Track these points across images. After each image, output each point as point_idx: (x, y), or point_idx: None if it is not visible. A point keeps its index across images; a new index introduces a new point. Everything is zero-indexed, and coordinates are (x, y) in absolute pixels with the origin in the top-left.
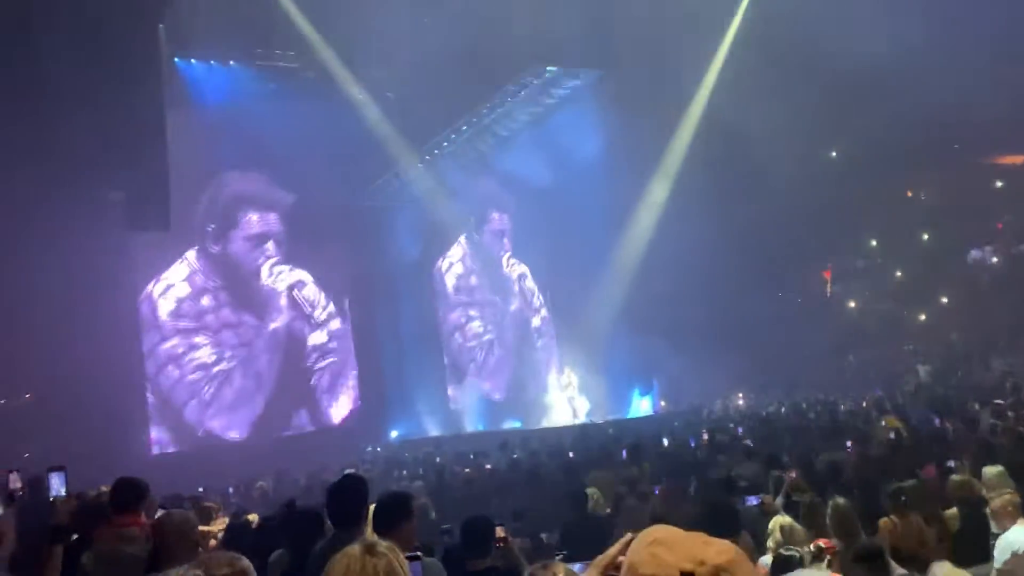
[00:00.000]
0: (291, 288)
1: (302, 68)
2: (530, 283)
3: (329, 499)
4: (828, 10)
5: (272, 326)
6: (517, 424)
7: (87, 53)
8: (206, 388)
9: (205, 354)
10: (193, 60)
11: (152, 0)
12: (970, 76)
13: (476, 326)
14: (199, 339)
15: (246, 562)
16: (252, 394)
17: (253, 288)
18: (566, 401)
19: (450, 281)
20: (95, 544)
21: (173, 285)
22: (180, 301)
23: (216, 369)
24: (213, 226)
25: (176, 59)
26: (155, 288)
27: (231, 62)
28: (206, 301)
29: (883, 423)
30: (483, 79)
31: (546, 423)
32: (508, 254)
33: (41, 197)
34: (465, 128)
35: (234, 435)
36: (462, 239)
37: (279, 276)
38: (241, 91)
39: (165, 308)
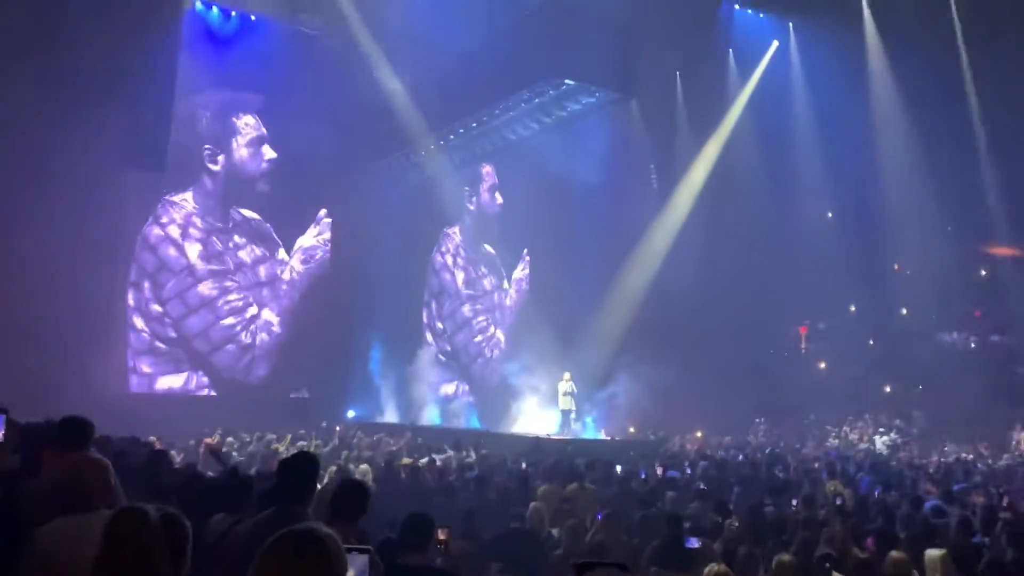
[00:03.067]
0: None
1: (327, 35)
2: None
3: (280, 473)
4: (844, 75)
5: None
6: (475, 424)
7: None
8: (243, 334)
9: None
10: (215, 7)
11: None
12: (974, 164)
13: (471, 318)
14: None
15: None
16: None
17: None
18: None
19: (445, 272)
20: (40, 472)
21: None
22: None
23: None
24: (209, 146)
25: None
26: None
27: (252, 16)
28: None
29: (830, 487)
30: (500, 82)
31: (513, 429)
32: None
33: (42, 120)
34: (475, 125)
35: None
36: (456, 230)
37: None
38: (258, 44)
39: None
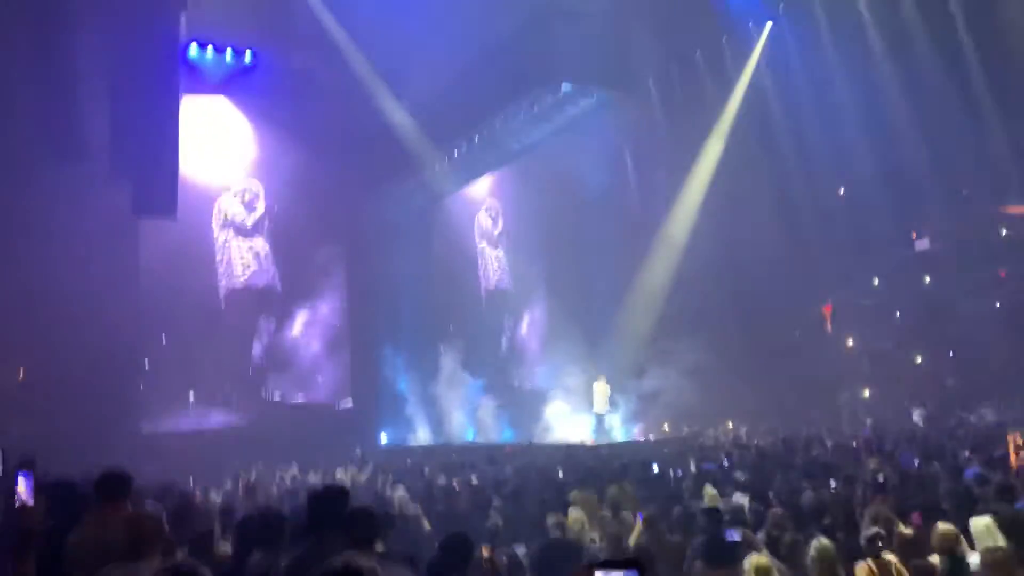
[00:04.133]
0: None
1: (323, 65)
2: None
3: (311, 507)
4: (842, 49)
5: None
6: (508, 434)
7: (109, 41)
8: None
9: None
10: (211, 47)
11: None
12: (981, 125)
13: (494, 325)
14: None
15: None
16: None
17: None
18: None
19: (465, 281)
20: (82, 528)
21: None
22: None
23: None
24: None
25: (195, 42)
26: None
27: (248, 51)
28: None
29: (871, 464)
30: (498, 92)
31: (548, 436)
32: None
33: (54, 177)
34: (477, 139)
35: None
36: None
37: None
38: (255, 80)
39: None
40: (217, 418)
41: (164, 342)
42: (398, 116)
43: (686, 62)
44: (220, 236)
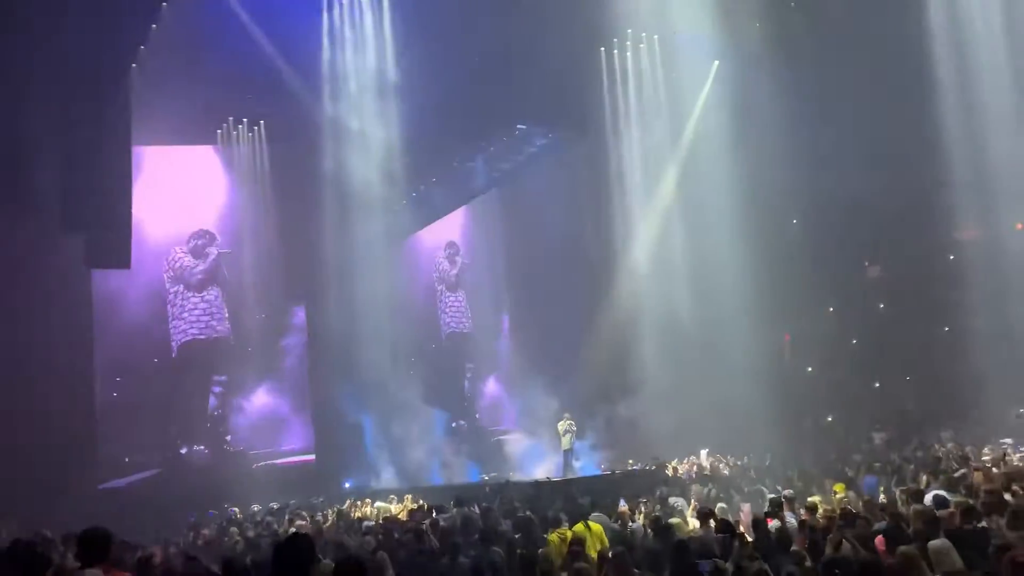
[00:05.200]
0: None
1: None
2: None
3: (276, 558)
4: (791, 86)
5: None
6: (475, 476)
7: (60, 98)
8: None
9: None
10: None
11: (125, 49)
12: (929, 154)
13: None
14: None
15: None
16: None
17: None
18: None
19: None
20: None
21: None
22: None
23: None
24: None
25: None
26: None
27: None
28: None
29: (834, 492)
30: (456, 134)
31: (514, 475)
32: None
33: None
34: (434, 179)
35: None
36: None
37: None
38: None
39: None
40: (174, 471)
41: (116, 395)
42: (355, 158)
43: (637, 101)
44: (172, 288)
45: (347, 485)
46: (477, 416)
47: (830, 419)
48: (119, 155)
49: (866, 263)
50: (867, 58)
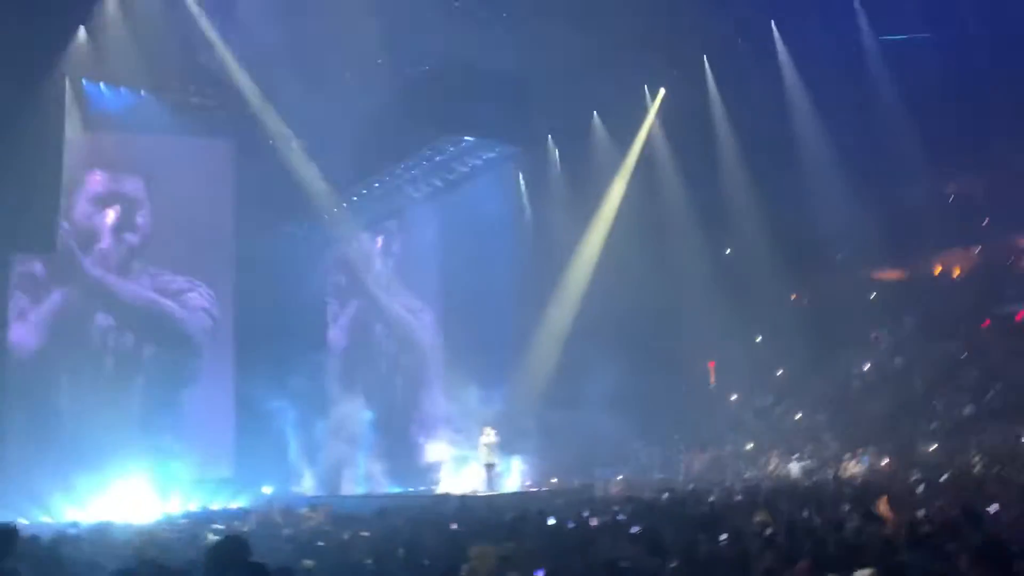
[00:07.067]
0: None
1: (216, 106)
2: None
3: (209, 561)
4: (731, 114)
5: None
6: (397, 489)
7: None
8: None
9: None
10: (103, 84)
11: (58, 27)
12: (855, 193)
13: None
14: None
15: None
16: None
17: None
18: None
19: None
20: None
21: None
22: None
23: None
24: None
25: (84, 80)
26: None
27: (142, 91)
28: None
29: (757, 518)
30: (400, 140)
31: (434, 489)
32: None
33: None
34: (377, 185)
35: None
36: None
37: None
38: (147, 120)
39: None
40: None
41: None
42: (295, 158)
43: (584, 121)
44: (96, 279)
45: (265, 491)
46: (404, 426)
47: (749, 447)
48: (48, 137)
49: (793, 296)
50: None
